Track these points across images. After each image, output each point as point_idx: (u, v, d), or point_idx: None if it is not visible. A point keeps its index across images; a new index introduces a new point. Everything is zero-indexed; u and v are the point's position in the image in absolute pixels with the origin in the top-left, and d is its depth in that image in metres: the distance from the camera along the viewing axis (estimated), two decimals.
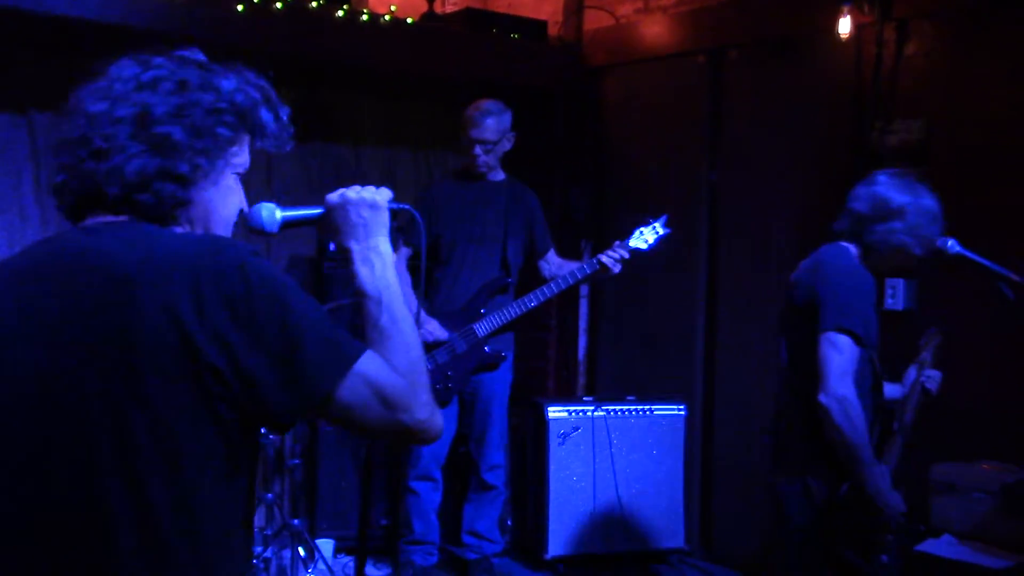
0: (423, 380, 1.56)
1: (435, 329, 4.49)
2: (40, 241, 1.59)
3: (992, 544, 3.68)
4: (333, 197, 1.79)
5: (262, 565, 4.36)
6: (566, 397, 5.46)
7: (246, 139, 1.69)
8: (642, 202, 5.16)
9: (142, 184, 1.52)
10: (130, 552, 1.42)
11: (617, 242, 4.43)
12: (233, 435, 1.47)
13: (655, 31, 5.33)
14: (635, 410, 4.96)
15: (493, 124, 4.53)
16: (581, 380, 5.74)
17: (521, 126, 4.66)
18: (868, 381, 2.99)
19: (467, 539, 4.69)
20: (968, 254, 3.10)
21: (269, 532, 4.49)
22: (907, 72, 4.32)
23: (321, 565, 4.60)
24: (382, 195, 1.78)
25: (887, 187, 3.00)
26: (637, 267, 4.51)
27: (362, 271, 1.70)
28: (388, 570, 4.77)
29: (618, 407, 4.95)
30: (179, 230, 1.60)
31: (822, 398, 2.81)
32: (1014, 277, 3.05)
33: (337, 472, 5.02)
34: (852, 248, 3.04)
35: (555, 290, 4.43)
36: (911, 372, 3.30)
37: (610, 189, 5.63)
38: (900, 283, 4.28)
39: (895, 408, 3.17)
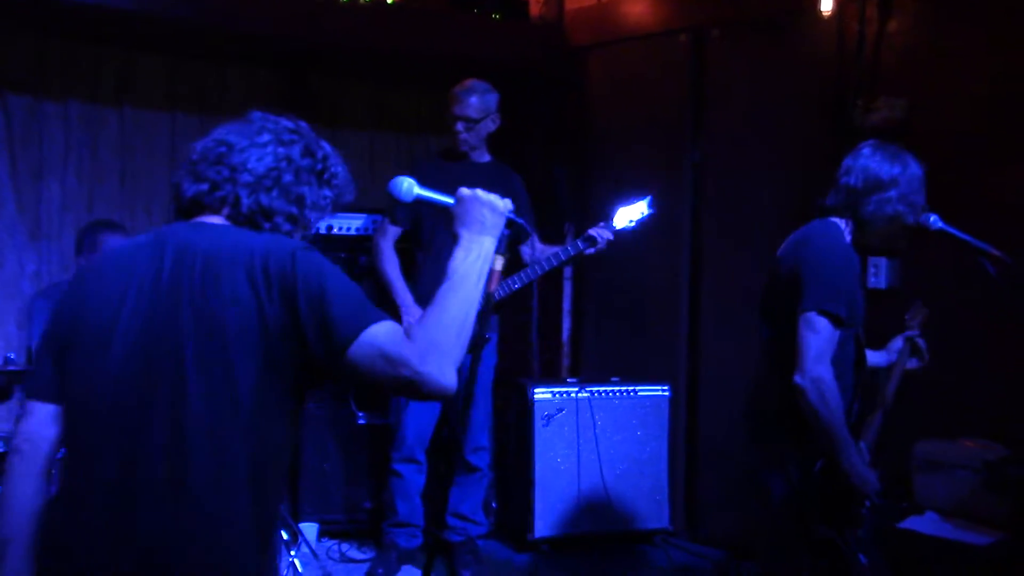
0: (446, 349, 1.82)
1: (418, 314, 4.47)
2: (160, 228, 2.02)
3: (975, 521, 3.70)
4: (466, 192, 2.06)
5: None
6: (550, 379, 5.45)
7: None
8: (625, 183, 5.13)
9: (267, 213, 2.02)
10: (202, 468, 1.81)
11: (602, 223, 4.40)
12: (288, 381, 1.88)
13: (637, 10, 5.29)
14: (619, 391, 4.95)
15: (476, 102, 4.50)
16: (565, 362, 5.73)
17: (503, 107, 4.63)
18: (851, 357, 2.98)
19: (452, 521, 4.67)
20: (950, 229, 3.09)
21: None
22: (890, 50, 4.31)
23: (305, 548, 4.58)
24: (505, 204, 2.05)
25: (876, 159, 2.99)
26: (621, 248, 4.48)
27: (458, 254, 1.97)
28: (372, 553, 4.76)
29: (602, 388, 4.94)
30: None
31: (798, 379, 2.80)
32: (995, 252, 3.04)
33: (320, 455, 5.00)
34: (843, 224, 3.02)
35: (539, 272, 4.41)
36: (897, 341, 3.30)
37: (593, 170, 5.60)
38: (883, 261, 4.28)
39: (879, 379, 3.17)
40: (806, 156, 4.53)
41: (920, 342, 3.29)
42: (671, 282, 5.19)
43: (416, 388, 1.82)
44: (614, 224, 4.39)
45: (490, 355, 4.68)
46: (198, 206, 2.02)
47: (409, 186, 2.15)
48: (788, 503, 2.92)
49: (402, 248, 4.64)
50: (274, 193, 2.02)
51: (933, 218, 3.11)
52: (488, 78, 4.61)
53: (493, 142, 4.68)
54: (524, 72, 5.51)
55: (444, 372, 1.81)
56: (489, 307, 2.08)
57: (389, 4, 5.06)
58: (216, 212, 2.02)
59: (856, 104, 4.34)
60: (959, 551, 3.56)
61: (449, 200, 2.10)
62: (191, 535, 1.81)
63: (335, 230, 5.05)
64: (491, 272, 2.03)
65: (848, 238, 2.99)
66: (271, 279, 1.85)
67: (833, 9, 4.32)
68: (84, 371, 1.90)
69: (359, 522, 5.01)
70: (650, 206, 4.42)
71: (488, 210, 2.03)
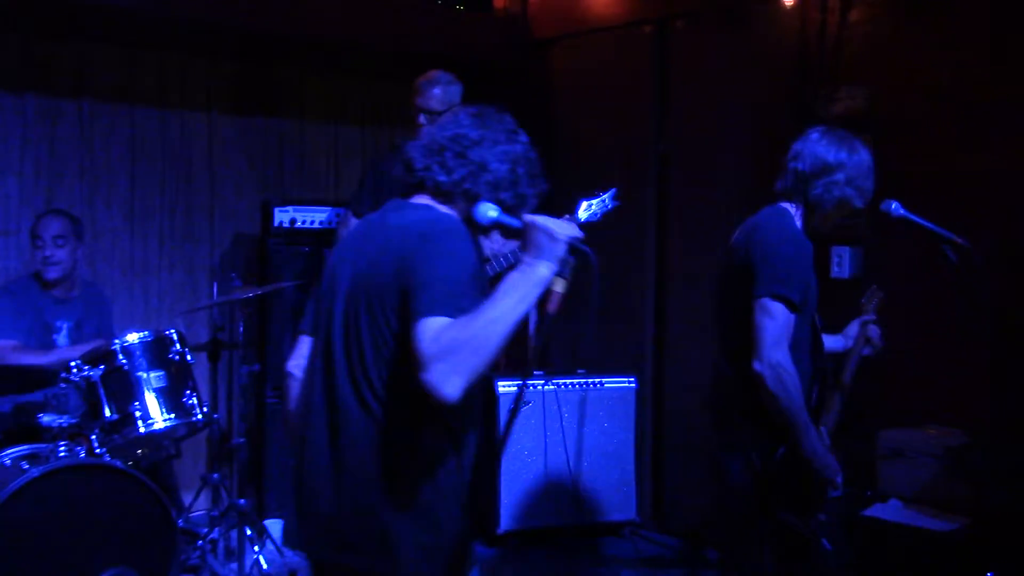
0: (464, 361, 1.90)
1: None
2: (380, 209, 2.27)
3: (938, 507, 3.72)
4: (530, 218, 2.12)
5: (209, 547, 4.28)
6: (516, 371, 5.42)
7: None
8: (590, 174, 5.12)
9: (474, 198, 2.19)
10: (356, 397, 2.11)
11: (566, 216, 4.38)
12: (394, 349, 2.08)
13: (601, 2, 5.29)
14: (586, 383, 4.94)
15: (439, 94, 4.46)
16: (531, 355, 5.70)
17: (466, 99, 4.59)
18: (808, 343, 2.98)
19: None
20: (912, 217, 3.10)
21: (216, 513, 4.41)
22: (851, 39, 4.33)
23: (270, 546, 4.53)
24: (566, 230, 2.06)
25: (823, 143, 2.99)
26: (586, 240, 4.46)
27: (513, 275, 2.03)
28: None
29: (569, 381, 4.92)
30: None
31: (756, 365, 2.80)
32: (957, 239, 3.06)
33: (284, 451, 4.95)
34: (793, 208, 3.02)
35: (502, 265, 4.37)
36: (853, 326, 3.30)
37: (557, 162, 5.56)
38: (846, 251, 4.30)
39: (835, 365, 3.18)
40: (770, 146, 4.49)
41: (873, 329, 3.29)
42: (637, 273, 5.19)
43: (428, 391, 1.91)
44: (578, 216, 4.38)
45: None
46: (420, 188, 2.23)
47: (485, 211, 2.18)
48: (750, 490, 2.92)
49: None
50: (509, 193, 2.20)
51: (895, 205, 3.12)
52: (452, 70, 4.58)
53: None
54: (488, 64, 5.49)
55: (446, 381, 1.88)
56: (549, 325, 2.12)
57: None
58: (431, 194, 2.22)
59: (819, 93, 4.35)
60: (922, 537, 3.59)
61: (517, 224, 2.14)
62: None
63: (299, 223, 5.00)
64: (552, 294, 2.05)
65: (799, 223, 3.00)
66: (406, 253, 2.06)
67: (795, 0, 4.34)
68: (322, 316, 2.23)
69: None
70: (613, 198, 4.41)
71: (547, 236, 2.04)
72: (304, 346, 2.34)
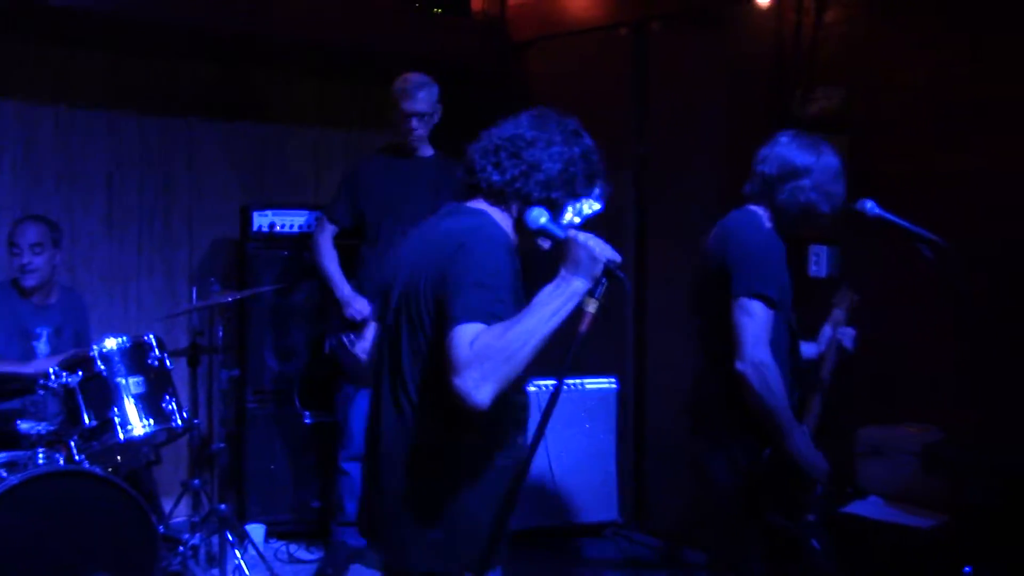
0: (495, 368, 1.94)
1: (363, 307, 4.43)
2: (438, 212, 2.36)
3: (917, 504, 3.74)
4: (574, 234, 2.14)
5: (190, 553, 4.27)
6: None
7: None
8: None
9: (553, 205, 2.25)
10: (392, 399, 2.21)
11: None
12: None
13: (578, 4, 5.30)
14: (567, 385, 4.94)
15: (425, 96, 4.47)
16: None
17: (445, 101, 4.60)
18: (785, 344, 2.99)
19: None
20: (887, 216, 3.12)
21: (196, 519, 4.39)
22: (827, 40, 4.35)
23: (252, 551, 4.52)
24: (605, 251, 2.08)
25: (791, 147, 3.01)
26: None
27: (547, 287, 2.06)
28: (321, 553, 4.71)
29: (550, 382, 4.91)
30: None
31: (739, 365, 2.81)
32: (932, 238, 3.07)
33: (266, 456, 4.95)
34: (761, 211, 3.04)
35: None
36: (826, 330, 3.32)
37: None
38: (823, 250, 4.32)
39: (812, 367, 3.19)
40: (748, 147, 4.51)
41: (845, 331, 3.29)
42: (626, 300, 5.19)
43: (456, 396, 1.96)
44: (563, 220, 4.38)
45: None
46: (476, 190, 2.29)
47: (536, 217, 2.21)
48: (737, 494, 2.92)
49: (349, 244, 4.60)
50: (560, 192, 2.25)
51: (870, 204, 3.14)
52: (431, 72, 4.58)
53: (436, 137, 4.65)
54: (466, 66, 5.50)
55: (478, 388, 1.93)
56: (579, 346, 2.09)
57: None
58: (485, 196, 2.29)
59: (795, 94, 4.38)
60: (901, 534, 3.60)
61: (562, 236, 2.17)
62: None
63: (279, 228, 4.99)
64: (584, 314, 2.06)
65: (768, 224, 3.02)
66: (441, 261, 2.12)
67: (771, 0, 4.35)
68: (381, 308, 2.34)
69: (307, 522, 4.96)
70: (599, 199, 4.41)
71: (586, 254, 2.06)
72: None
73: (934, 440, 3.82)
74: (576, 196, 2.27)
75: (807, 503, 2.95)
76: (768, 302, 2.83)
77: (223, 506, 4.31)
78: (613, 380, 5.03)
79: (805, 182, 2.97)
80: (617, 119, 5.18)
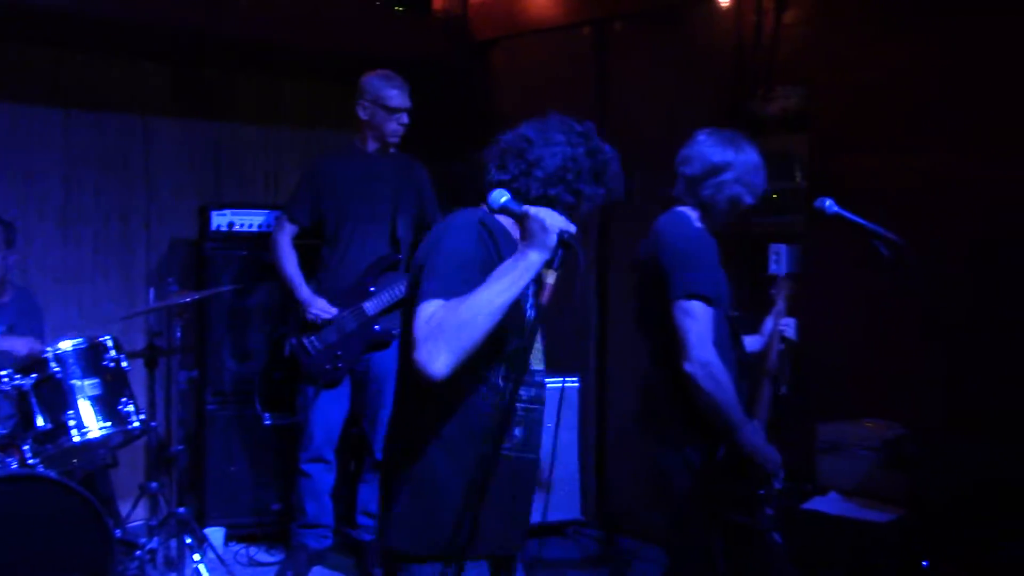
0: (449, 340, 2.01)
1: (324, 308, 4.40)
2: None
3: (876, 499, 3.78)
4: (527, 207, 2.17)
5: (147, 557, 4.20)
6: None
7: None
8: None
9: (550, 203, 2.27)
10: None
11: None
12: None
13: (541, 3, 5.30)
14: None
15: (408, 91, 4.48)
16: None
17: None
18: (727, 339, 3.02)
19: (362, 520, 4.60)
20: (845, 214, 3.14)
21: (154, 523, 4.33)
22: (786, 40, 4.38)
23: (211, 554, 4.46)
24: (557, 222, 2.11)
25: (710, 145, 3.07)
26: None
27: (507, 262, 2.13)
28: (281, 555, 4.67)
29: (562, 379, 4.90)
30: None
31: (686, 367, 2.83)
32: (890, 236, 3.10)
33: (225, 458, 4.89)
34: (689, 211, 3.08)
35: None
36: (768, 322, 3.35)
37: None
38: (783, 248, 4.35)
39: (758, 359, 3.22)
40: None
41: (787, 324, 3.33)
42: (578, 274, 5.19)
43: (416, 371, 2.03)
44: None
45: (397, 351, 4.62)
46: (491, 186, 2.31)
47: (498, 197, 2.22)
48: (694, 495, 2.93)
49: (309, 244, 4.56)
50: (559, 188, 2.30)
51: (829, 203, 3.16)
52: (393, 71, 4.56)
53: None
54: (428, 65, 5.47)
55: (432, 360, 2.01)
56: (540, 317, 2.15)
57: None
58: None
59: (755, 93, 4.40)
60: (860, 529, 3.63)
61: (517, 209, 2.19)
62: None
63: (237, 227, 4.94)
64: (544, 285, 2.11)
65: (698, 224, 3.05)
66: (420, 257, 2.22)
67: (731, 1, 4.38)
68: None
69: (267, 524, 4.91)
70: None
71: (537, 225, 2.10)
72: None
73: (893, 436, 3.86)
74: (577, 193, 2.32)
75: (764, 498, 2.96)
76: (706, 301, 2.86)
77: (181, 509, 4.26)
78: (575, 379, 5.02)
79: (727, 176, 3.02)
80: (579, 117, 5.17)
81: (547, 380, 2.42)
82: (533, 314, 2.23)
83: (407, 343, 2.19)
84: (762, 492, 2.95)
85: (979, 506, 3.57)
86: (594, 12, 5.08)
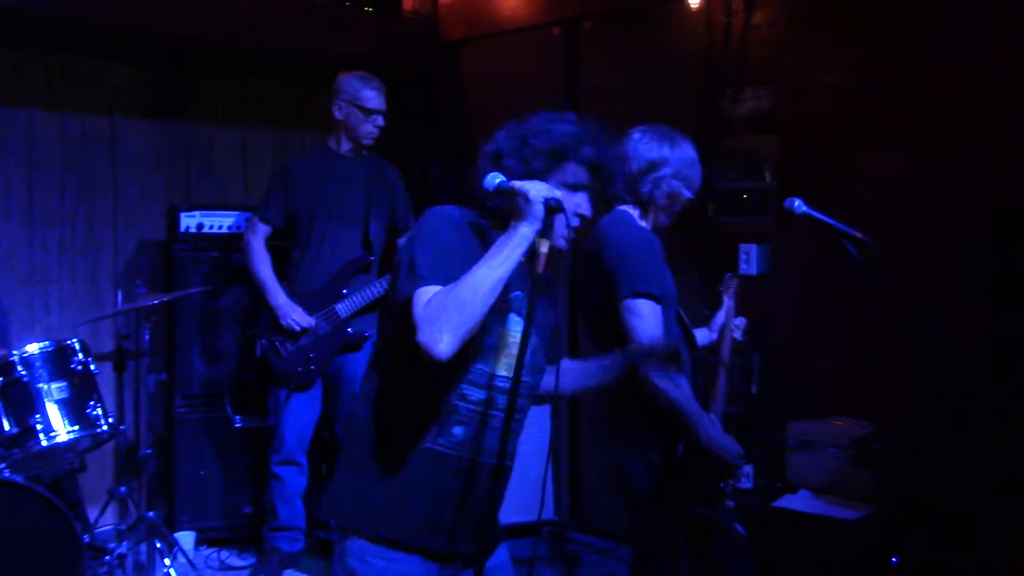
0: (450, 319, 2.03)
1: (301, 317, 4.37)
2: None
3: (846, 497, 3.81)
4: (515, 183, 2.18)
5: (116, 562, 4.16)
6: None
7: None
8: None
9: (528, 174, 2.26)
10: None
11: None
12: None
13: (511, 3, 5.30)
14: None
15: (385, 94, 4.46)
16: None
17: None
18: (678, 336, 3.03)
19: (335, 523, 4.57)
20: (814, 213, 3.16)
21: (123, 527, 4.29)
22: (755, 41, 4.41)
23: (182, 559, 4.43)
24: (541, 191, 2.12)
25: (645, 141, 3.09)
26: None
27: (500, 238, 2.13)
28: (253, 559, 4.64)
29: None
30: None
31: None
32: (857, 235, 3.13)
33: (195, 461, 4.85)
34: (631, 209, 3.09)
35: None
36: (719, 316, 3.35)
37: (470, 164, 5.56)
38: (753, 248, 4.38)
39: (711, 351, 3.24)
40: None
41: (739, 321, 3.34)
42: (550, 273, 5.20)
43: (422, 351, 2.04)
44: None
45: (369, 354, 4.60)
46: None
47: (492, 179, 2.22)
48: (657, 491, 2.94)
49: (279, 245, 4.53)
50: (512, 161, 2.28)
51: (798, 203, 3.17)
52: (362, 71, 4.54)
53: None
54: (398, 65, 5.46)
55: (437, 340, 2.02)
56: (540, 288, 2.16)
57: None
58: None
59: (724, 94, 4.43)
60: (830, 526, 3.67)
61: (504, 186, 2.21)
62: None
63: (206, 228, 4.89)
64: (538, 256, 2.12)
65: (641, 223, 3.06)
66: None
67: (700, 1, 4.40)
68: None
69: (239, 528, 4.87)
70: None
71: (522, 198, 2.11)
72: None
73: (861, 433, 3.90)
74: (526, 162, 2.28)
75: (725, 491, 2.98)
76: (653, 299, 2.87)
77: (151, 513, 4.22)
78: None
79: (665, 171, 3.05)
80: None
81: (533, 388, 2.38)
82: (523, 311, 2.22)
83: (388, 337, 2.23)
84: (723, 485, 2.97)
85: (945, 503, 3.61)
86: (564, 12, 5.09)
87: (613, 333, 2.88)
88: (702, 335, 3.29)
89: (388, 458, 2.21)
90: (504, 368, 2.23)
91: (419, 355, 2.06)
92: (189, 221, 4.88)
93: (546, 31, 5.18)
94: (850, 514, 3.70)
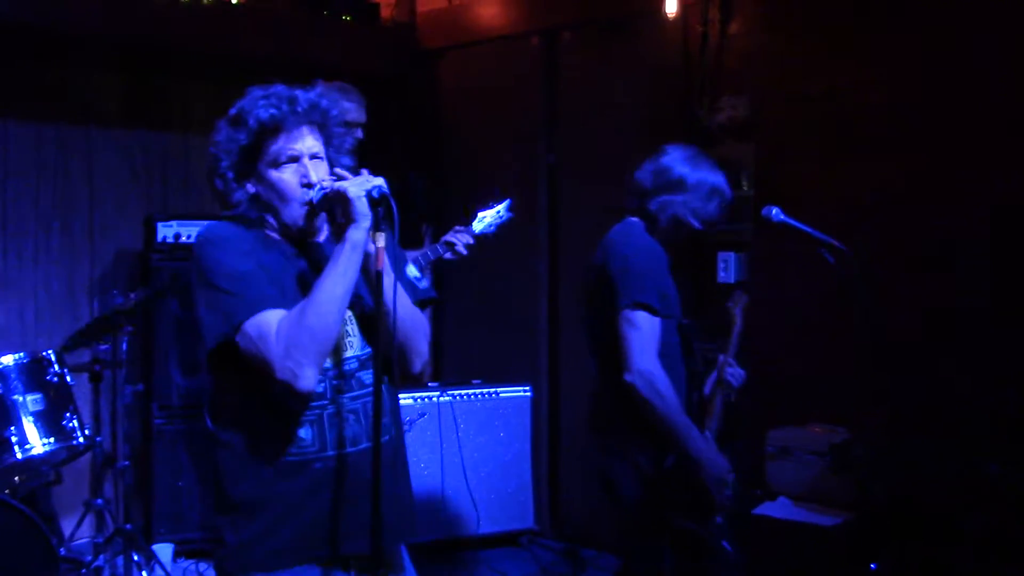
0: (310, 348, 1.96)
1: None
2: None
3: (824, 503, 3.82)
4: (325, 189, 2.09)
5: (93, 575, 4.12)
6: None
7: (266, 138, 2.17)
8: (481, 185, 5.13)
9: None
10: None
11: (460, 227, 4.36)
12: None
13: (489, 13, 5.31)
14: (481, 394, 4.93)
15: (364, 106, 4.43)
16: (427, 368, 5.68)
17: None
18: (678, 348, 3.02)
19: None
20: (791, 222, 3.18)
21: (100, 540, 4.24)
22: (732, 50, 4.44)
23: (159, 571, 4.38)
24: (362, 185, 2.04)
25: (670, 160, 3.06)
26: (480, 251, 4.46)
27: (336, 250, 2.05)
28: None
29: (464, 391, 4.91)
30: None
31: (627, 376, 2.83)
32: (835, 243, 3.15)
33: (173, 472, 4.81)
34: (639, 222, 3.08)
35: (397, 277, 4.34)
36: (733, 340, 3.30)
37: (448, 173, 5.58)
38: (731, 256, 4.40)
39: (713, 367, 3.22)
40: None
41: (734, 375, 3.28)
42: (530, 284, 5.21)
43: (283, 389, 1.98)
44: (473, 228, 4.36)
45: None
46: None
47: (314, 193, 2.12)
48: (644, 502, 2.94)
49: None
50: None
51: (775, 211, 3.19)
52: (340, 80, 4.52)
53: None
54: (376, 74, 5.45)
55: (298, 376, 1.96)
56: (378, 286, 2.03)
57: (234, 5, 4.91)
58: None
59: (702, 103, 4.45)
60: (809, 533, 3.68)
61: (329, 191, 2.11)
62: None
63: (184, 238, 4.86)
64: (375, 251, 2.01)
65: (648, 235, 3.05)
66: None
67: (677, 11, 4.42)
68: None
69: (217, 540, 4.82)
70: (508, 209, 4.41)
71: (341, 199, 2.03)
72: None
73: (840, 440, 3.91)
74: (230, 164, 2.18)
75: (714, 506, 2.98)
76: (651, 311, 2.86)
77: (128, 526, 4.18)
78: (527, 388, 5.03)
79: (676, 197, 3.01)
80: (528, 127, 5.20)
81: (364, 367, 2.18)
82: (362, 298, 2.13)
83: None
84: (711, 501, 2.96)
85: (924, 508, 3.63)
86: (542, 22, 5.10)
87: (612, 342, 2.88)
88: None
89: (249, 490, 2.10)
90: (334, 356, 2.12)
91: (242, 386, 2.02)
92: (166, 231, 4.85)
93: (525, 41, 5.19)
94: (829, 520, 3.71)
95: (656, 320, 2.86)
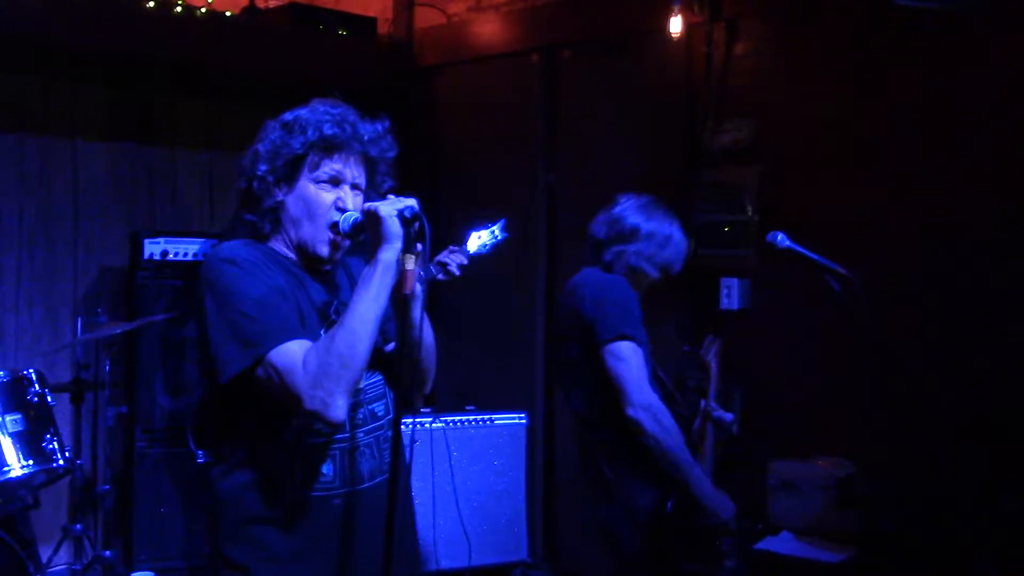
0: (340, 376, 1.89)
1: None
2: None
3: (828, 539, 3.72)
4: (362, 208, 2.07)
5: None
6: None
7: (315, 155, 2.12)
8: (478, 205, 5.03)
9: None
10: None
11: (454, 248, 4.26)
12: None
13: (488, 30, 5.24)
14: (475, 420, 4.82)
15: None
16: None
17: None
18: (655, 386, 2.94)
19: None
20: (796, 248, 3.11)
21: (78, 567, 4.12)
22: (737, 71, 4.36)
23: None
24: (393, 205, 1.99)
25: (623, 210, 3.05)
26: (475, 273, 4.34)
27: (365, 271, 2.01)
28: None
29: (458, 418, 4.80)
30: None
31: (629, 412, 2.74)
32: (840, 270, 3.08)
33: (155, 498, 4.70)
34: (596, 271, 3.05)
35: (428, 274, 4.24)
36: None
37: (445, 192, 5.49)
38: (735, 283, 4.30)
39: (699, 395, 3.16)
40: (659, 177, 4.51)
41: (723, 418, 3.22)
42: (527, 307, 5.11)
43: (313, 419, 1.93)
44: (467, 248, 4.26)
45: None
46: None
47: (348, 216, 2.11)
48: (646, 551, 2.84)
49: None
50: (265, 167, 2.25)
51: (780, 237, 3.13)
52: (333, 97, 4.43)
53: None
54: (372, 90, 5.35)
55: (328, 407, 1.89)
56: (409, 307, 2.01)
57: (228, 19, 4.83)
58: None
59: (705, 125, 4.36)
60: (813, 569, 3.58)
61: (360, 218, 2.09)
62: None
63: (171, 255, 4.77)
64: (406, 273, 1.97)
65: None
66: None
67: (682, 31, 4.35)
68: None
69: (199, 569, 4.73)
70: (503, 230, 4.31)
71: (374, 220, 1.99)
72: None
73: (845, 473, 3.81)
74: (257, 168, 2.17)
75: (722, 548, 2.87)
76: (636, 341, 2.79)
77: (108, 552, 4.07)
78: (523, 416, 4.92)
79: (629, 247, 2.99)
80: (528, 146, 5.12)
81: (381, 403, 2.16)
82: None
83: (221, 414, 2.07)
84: (718, 543, 2.86)
85: (932, 542, 3.53)
86: (542, 39, 5.03)
87: (595, 385, 2.79)
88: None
89: (266, 526, 2.04)
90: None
91: (259, 419, 1.95)
92: (153, 248, 4.76)
93: (524, 58, 5.11)
94: (833, 557, 3.61)
95: (640, 350, 2.79)
